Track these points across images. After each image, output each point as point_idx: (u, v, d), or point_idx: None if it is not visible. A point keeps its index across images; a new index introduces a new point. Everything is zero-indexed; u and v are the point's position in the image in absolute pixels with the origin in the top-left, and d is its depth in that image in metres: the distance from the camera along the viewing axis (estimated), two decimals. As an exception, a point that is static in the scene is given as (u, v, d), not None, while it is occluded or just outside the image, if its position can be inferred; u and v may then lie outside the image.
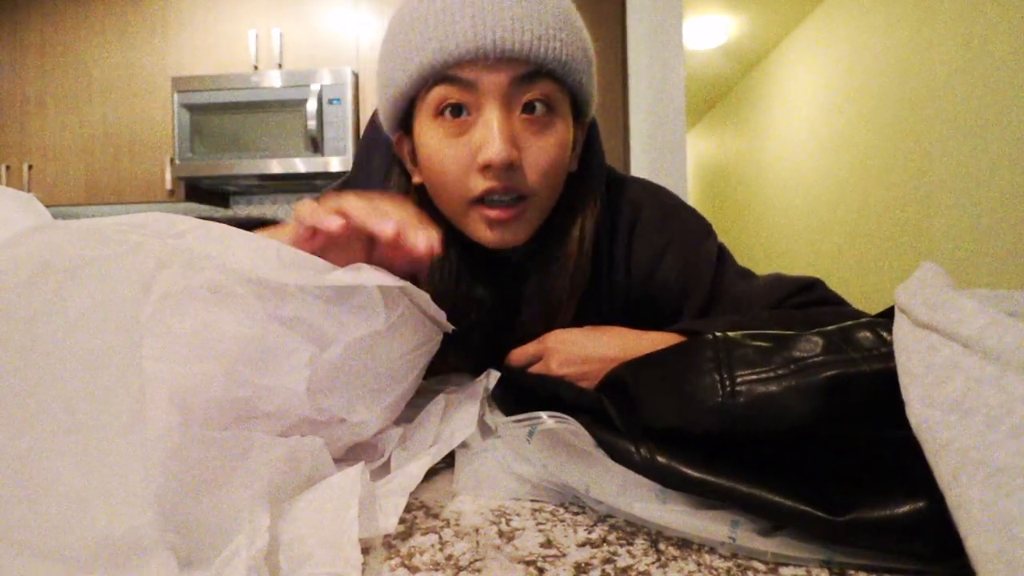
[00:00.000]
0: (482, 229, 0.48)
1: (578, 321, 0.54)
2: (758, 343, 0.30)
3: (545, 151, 0.47)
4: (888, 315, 0.28)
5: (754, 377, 0.28)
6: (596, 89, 0.52)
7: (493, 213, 0.47)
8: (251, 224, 0.50)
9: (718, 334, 0.32)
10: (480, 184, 0.46)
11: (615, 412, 0.34)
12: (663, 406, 0.31)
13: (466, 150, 0.46)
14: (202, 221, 0.28)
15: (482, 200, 0.47)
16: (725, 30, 3.62)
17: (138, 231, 0.24)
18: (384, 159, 0.57)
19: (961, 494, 0.19)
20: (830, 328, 0.29)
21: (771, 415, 0.27)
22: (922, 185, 2.44)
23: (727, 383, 0.28)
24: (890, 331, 0.26)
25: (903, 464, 0.25)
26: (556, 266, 0.53)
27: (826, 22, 3.26)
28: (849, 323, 0.29)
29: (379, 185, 0.56)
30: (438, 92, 0.46)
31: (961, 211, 2.22)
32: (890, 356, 0.25)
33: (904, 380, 0.23)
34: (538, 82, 0.45)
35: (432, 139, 0.47)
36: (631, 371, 0.35)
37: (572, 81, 0.47)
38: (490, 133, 0.44)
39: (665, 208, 0.61)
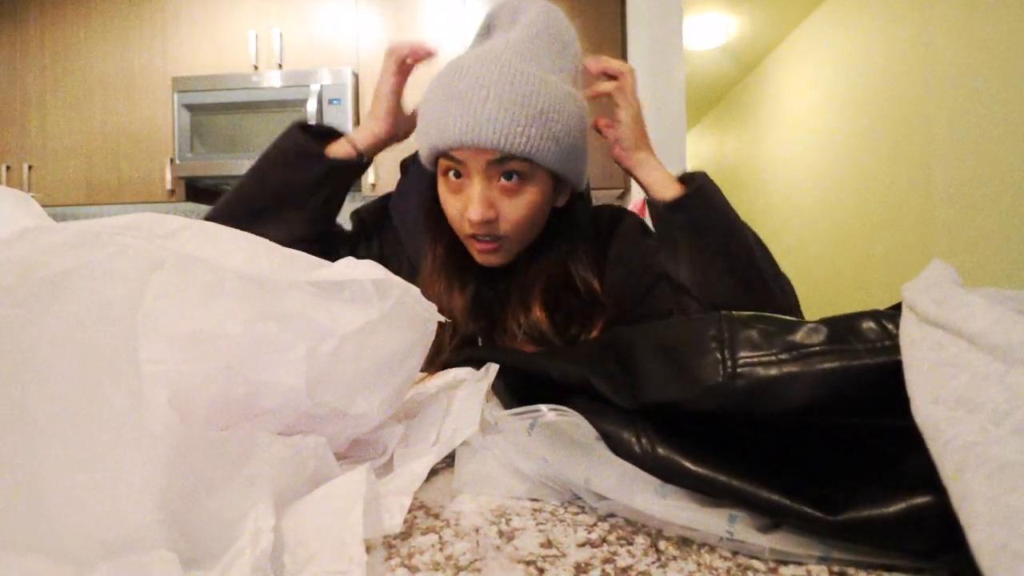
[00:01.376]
0: (475, 253, 0.68)
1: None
2: (763, 325, 0.29)
3: (516, 208, 0.64)
4: (897, 309, 0.27)
5: (756, 360, 0.28)
6: (577, 160, 0.66)
7: (479, 246, 0.67)
8: (328, 133, 0.76)
9: (724, 312, 0.31)
10: (468, 228, 0.65)
11: (607, 386, 0.33)
12: (663, 380, 0.30)
13: (461, 203, 0.65)
14: (191, 221, 0.28)
15: (473, 236, 0.66)
16: (725, 30, 3.62)
17: (129, 232, 0.24)
18: (420, 178, 0.79)
19: (965, 489, 0.19)
20: (835, 317, 0.29)
21: (769, 399, 0.27)
22: (922, 184, 2.44)
23: (728, 364, 0.28)
24: (896, 323, 0.26)
25: (902, 456, 0.25)
26: (535, 267, 0.71)
27: (826, 22, 3.26)
28: (855, 313, 0.29)
29: (417, 192, 0.78)
30: (442, 163, 0.65)
31: (962, 211, 2.22)
32: (894, 349, 0.25)
33: (909, 376, 0.23)
34: (510, 162, 0.62)
35: (443, 190, 0.67)
36: (632, 339, 0.35)
37: (542, 163, 0.62)
38: (471, 199, 0.62)
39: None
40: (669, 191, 0.67)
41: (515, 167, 0.62)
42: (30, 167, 2.49)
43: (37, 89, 2.51)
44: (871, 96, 2.82)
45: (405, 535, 0.27)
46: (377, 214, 0.82)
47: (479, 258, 0.68)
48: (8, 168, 2.51)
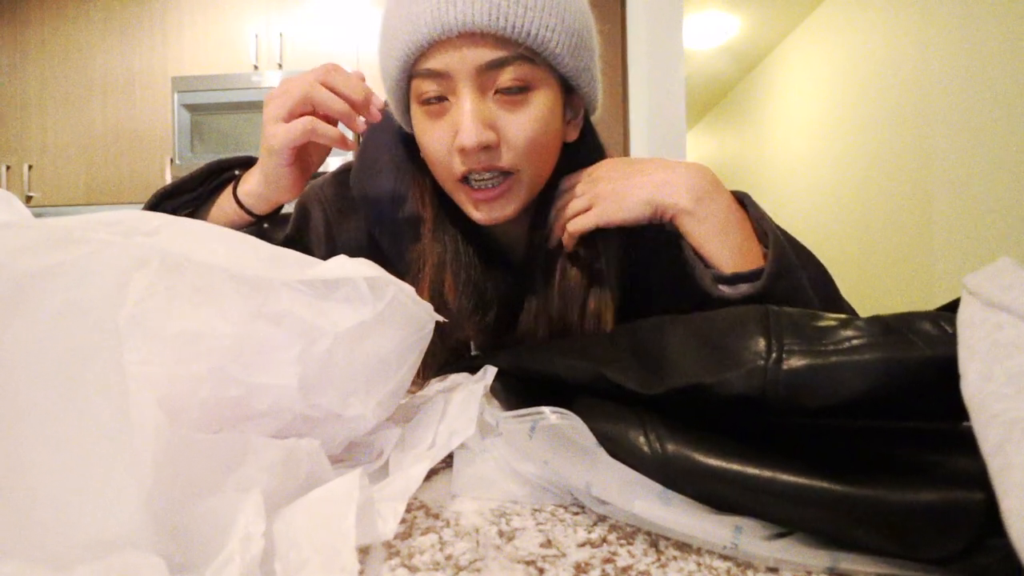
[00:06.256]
0: (470, 208, 0.51)
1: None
2: (814, 321, 0.28)
3: (522, 127, 0.47)
4: (952, 310, 0.26)
5: (805, 347, 0.26)
6: (588, 59, 0.50)
7: (478, 195, 0.49)
8: (236, 163, 0.56)
9: (772, 307, 0.29)
10: (461, 165, 0.48)
11: (625, 376, 0.31)
12: (697, 363, 0.28)
13: (447, 132, 0.47)
14: (175, 218, 0.28)
15: (467, 180, 0.49)
16: (725, 30, 3.62)
17: (109, 229, 0.24)
18: (391, 136, 0.58)
19: (1005, 460, 0.19)
20: (890, 315, 0.27)
21: (815, 390, 0.25)
22: (922, 184, 2.44)
23: (774, 348, 0.26)
24: (952, 324, 0.25)
25: (943, 460, 0.24)
26: (557, 268, 0.53)
27: (826, 22, 3.25)
28: (910, 312, 0.27)
29: (388, 158, 0.58)
30: (416, 86, 0.48)
31: (962, 211, 2.22)
32: (950, 345, 0.24)
33: (964, 355, 0.22)
34: (508, 66, 0.45)
35: (419, 122, 0.50)
36: (659, 325, 0.33)
37: (548, 54, 0.46)
38: (463, 118, 0.45)
39: None
40: (729, 262, 0.47)
41: (515, 75, 0.45)
42: (30, 167, 2.49)
43: (37, 89, 2.51)
44: (871, 96, 2.81)
45: (405, 535, 0.27)
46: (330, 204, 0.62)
47: (478, 214, 0.50)
48: (8, 168, 2.51)
